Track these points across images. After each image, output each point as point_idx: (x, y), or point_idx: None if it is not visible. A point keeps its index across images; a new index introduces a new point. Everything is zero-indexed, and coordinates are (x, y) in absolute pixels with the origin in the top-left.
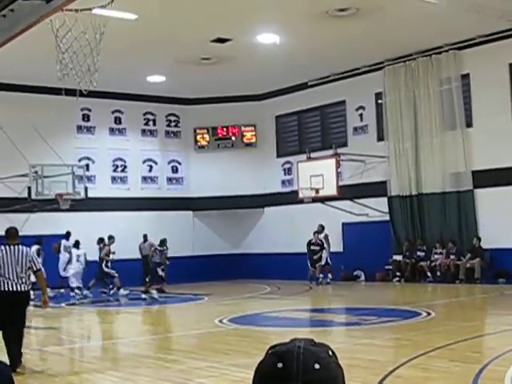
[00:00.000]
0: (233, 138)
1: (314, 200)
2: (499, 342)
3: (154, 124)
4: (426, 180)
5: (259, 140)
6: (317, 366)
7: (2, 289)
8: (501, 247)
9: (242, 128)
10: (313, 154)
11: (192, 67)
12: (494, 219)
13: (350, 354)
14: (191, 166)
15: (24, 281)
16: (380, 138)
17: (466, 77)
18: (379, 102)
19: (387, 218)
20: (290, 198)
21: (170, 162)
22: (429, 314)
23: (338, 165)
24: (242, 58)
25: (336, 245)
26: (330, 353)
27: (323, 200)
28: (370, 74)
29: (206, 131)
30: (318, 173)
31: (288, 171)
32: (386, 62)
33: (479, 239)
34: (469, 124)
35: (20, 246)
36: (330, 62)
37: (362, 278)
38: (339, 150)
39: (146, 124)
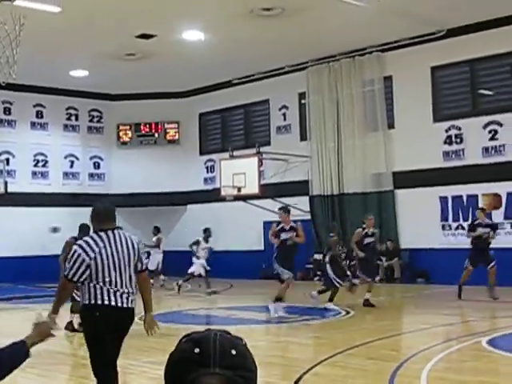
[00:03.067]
0: (156, 135)
1: (236, 198)
2: (416, 341)
3: (77, 119)
4: (348, 180)
5: (182, 137)
6: (233, 352)
7: (106, 302)
8: (420, 247)
9: (166, 125)
10: (236, 153)
11: (116, 62)
12: (414, 220)
13: (270, 352)
14: (113, 162)
15: (133, 290)
16: (303, 138)
17: (388, 79)
18: (302, 101)
19: (309, 217)
20: (213, 195)
21: (91, 158)
22: (348, 312)
23: (260, 163)
24: (166, 54)
25: (257, 243)
26: (244, 343)
27: (245, 198)
28: (293, 73)
29: (128, 127)
30: (240, 171)
31: (211, 169)
32: (310, 63)
33: (393, 241)
34: (390, 125)
35: (123, 233)
36: (254, 61)
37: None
38: (262, 149)
39: (69, 119)
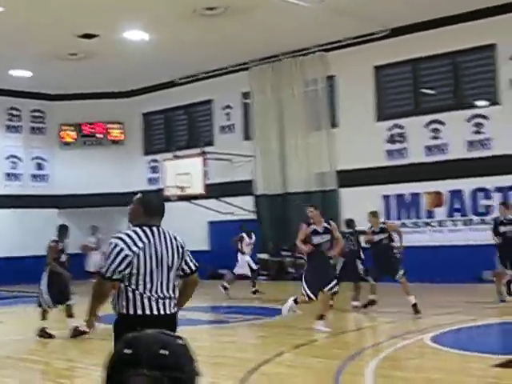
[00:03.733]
0: (99, 136)
1: (181, 198)
2: (361, 338)
3: (19, 120)
4: (292, 179)
5: (126, 137)
6: (164, 352)
7: (147, 312)
8: (363, 246)
9: (109, 125)
10: (179, 153)
11: (58, 62)
12: (358, 218)
13: (216, 352)
14: (56, 162)
15: (175, 295)
16: (246, 138)
17: (331, 78)
18: (246, 101)
19: (253, 216)
20: None
21: (34, 159)
22: (294, 311)
23: (204, 163)
24: (109, 54)
25: (202, 243)
26: (182, 342)
27: (190, 198)
28: (236, 73)
29: (72, 128)
30: (184, 171)
31: (155, 169)
32: (253, 62)
33: None
34: (334, 125)
35: (167, 231)
36: (197, 61)
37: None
38: (206, 149)
39: (10, 120)
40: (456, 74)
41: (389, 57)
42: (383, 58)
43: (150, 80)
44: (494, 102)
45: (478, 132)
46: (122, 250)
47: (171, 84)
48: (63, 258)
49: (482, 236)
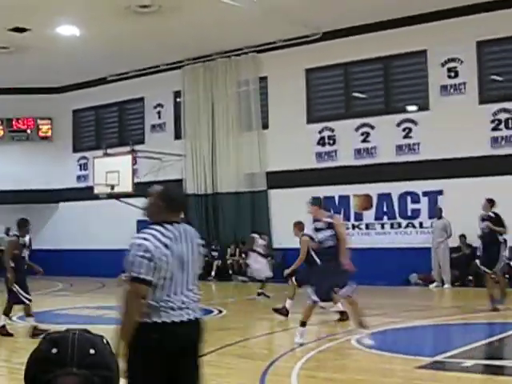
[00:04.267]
0: (28, 131)
1: (110, 196)
2: (288, 339)
3: None
4: (222, 179)
5: (55, 134)
6: (92, 351)
7: (170, 320)
8: (292, 247)
9: (38, 121)
10: (110, 150)
11: None
12: (286, 220)
13: None
14: None
15: (199, 297)
16: (177, 137)
17: (263, 79)
18: (178, 100)
19: (182, 215)
20: (86, 193)
21: None
22: (220, 311)
23: (134, 162)
24: (40, 48)
25: (128, 242)
26: (105, 341)
27: (118, 196)
28: (169, 72)
29: (0, 122)
30: (114, 169)
31: (84, 166)
32: (186, 61)
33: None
34: (265, 126)
35: (188, 228)
36: (130, 58)
37: None
38: (136, 147)
39: None
40: (387, 78)
41: (320, 60)
42: (315, 61)
43: (81, 76)
44: (424, 108)
45: (407, 136)
46: (147, 250)
47: (103, 81)
48: (25, 253)
49: (410, 239)
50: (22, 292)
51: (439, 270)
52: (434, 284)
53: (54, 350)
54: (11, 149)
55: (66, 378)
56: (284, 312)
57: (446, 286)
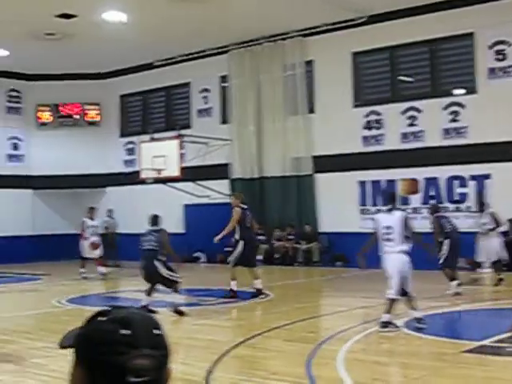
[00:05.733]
0: (76, 116)
1: (157, 181)
2: (334, 323)
3: None
4: (268, 164)
5: (103, 119)
6: (156, 332)
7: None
8: (338, 231)
9: (86, 106)
10: (156, 135)
11: (36, 42)
12: (333, 204)
13: (189, 334)
14: (33, 143)
15: None
16: (224, 121)
17: (310, 63)
18: (224, 85)
19: (229, 200)
20: (132, 178)
21: (10, 139)
22: (267, 295)
23: (181, 146)
24: (87, 35)
25: (177, 226)
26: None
27: (165, 181)
28: (215, 56)
29: (48, 108)
30: (160, 154)
31: (131, 151)
32: (232, 46)
33: (310, 225)
34: (311, 110)
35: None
36: (176, 43)
37: (203, 259)
38: (183, 132)
39: None
40: (434, 61)
41: (367, 43)
42: (361, 45)
43: (128, 62)
44: (471, 91)
45: (454, 120)
46: None
47: (149, 66)
48: None
49: (457, 223)
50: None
51: (487, 254)
52: (482, 269)
53: (125, 331)
54: (60, 134)
55: (141, 359)
56: None
57: (492, 270)
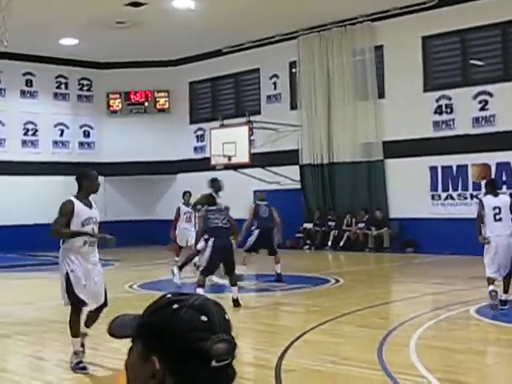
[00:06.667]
0: (146, 104)
1: (227, 167)
2: (405, 309)
3: (66, 87)
4: (338, 149)
5: (172, 106)
6: (227, 317)
7: None
8: (409, 217)
9: (155, 93)
10: (226, 122)
11: (106, 31)
12: (403, 189)
13: (260, 319)
14: (103, 130)
15: None
16: (293, 107)
17: (379, 48)
18: (293, 71)
19: (298, 186)
20: (203, 164)
21: (81, 127)
22: (338, 281)
23: (250, 132)
24: (156, 22)
25: (247, 212)
26: None
27: (235, 167)
28: (284, 42)
29: (118, 96)
30: (230, 140)
31: (201, 138)
32: (301, 32)
33: (381, 211)
34: (381, 95)
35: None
36: (244, 30)
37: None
38: (252, 118)
39: (58, 87)
40: (506, 45)
41: (437, 27)
42: (431, 29)
43: (196, 49)
44: None
45: None
46: None
47: (218, 53)
48: None
49: None
50: None
51: None
52: None
53: (204, 318)
54: (129, 121)
55: (220, 344)
56: None
57: None
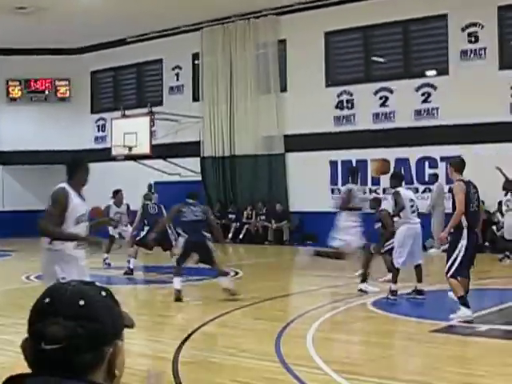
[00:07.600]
0: (46, 92)
1: (127, 158)
2: (304, 302)
3: None
4: (240, 142)
5: (73, 95)
6: (81, 303)
7: None
8: (309, 210)
9: (56, 82)
10: (128, 112)
11: (6, 16)
12: (304, 183)
13: (159, 312)
14: (2, 118)
15: None
16: (195, 99)
17: (282, 42)
18: (196, 62)
19: (199, 178)
20: (103, 155)
21: None
22: (237, 273)
23: (152, 123)
24: (59, 9)
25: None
26: (104, 294)
27: (136, 158)
28: (188, 33)
29: (18, 83)
30: (132, 130)
31: (102, 128)
32: (205, 23)
33: (281, 204)
34: (283, 89)
35: None
36: (148, 20)
37: (173, 237)
38: (154, 109)
39: None
40: (407, 42)
41: (340, 23)
42: (334, 24)
43: (100, 37)
44: (443, 72)
45: (425, 101)
46: None
47: (121, 42)
48: None
49: (426, 205)
50: None
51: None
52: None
53: (47, 300)
54: (29, 109)
55: (52, 326)
56: None
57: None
